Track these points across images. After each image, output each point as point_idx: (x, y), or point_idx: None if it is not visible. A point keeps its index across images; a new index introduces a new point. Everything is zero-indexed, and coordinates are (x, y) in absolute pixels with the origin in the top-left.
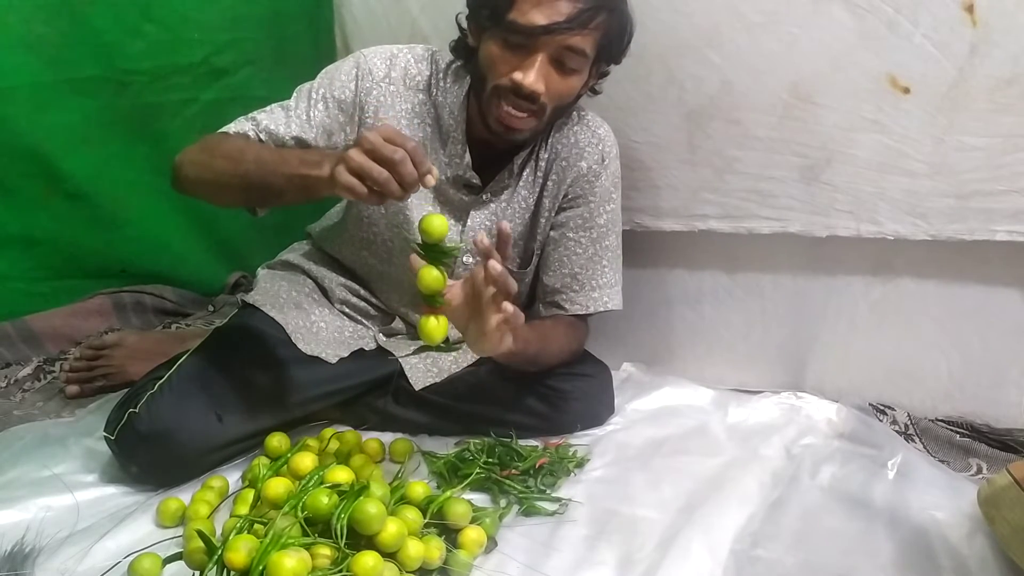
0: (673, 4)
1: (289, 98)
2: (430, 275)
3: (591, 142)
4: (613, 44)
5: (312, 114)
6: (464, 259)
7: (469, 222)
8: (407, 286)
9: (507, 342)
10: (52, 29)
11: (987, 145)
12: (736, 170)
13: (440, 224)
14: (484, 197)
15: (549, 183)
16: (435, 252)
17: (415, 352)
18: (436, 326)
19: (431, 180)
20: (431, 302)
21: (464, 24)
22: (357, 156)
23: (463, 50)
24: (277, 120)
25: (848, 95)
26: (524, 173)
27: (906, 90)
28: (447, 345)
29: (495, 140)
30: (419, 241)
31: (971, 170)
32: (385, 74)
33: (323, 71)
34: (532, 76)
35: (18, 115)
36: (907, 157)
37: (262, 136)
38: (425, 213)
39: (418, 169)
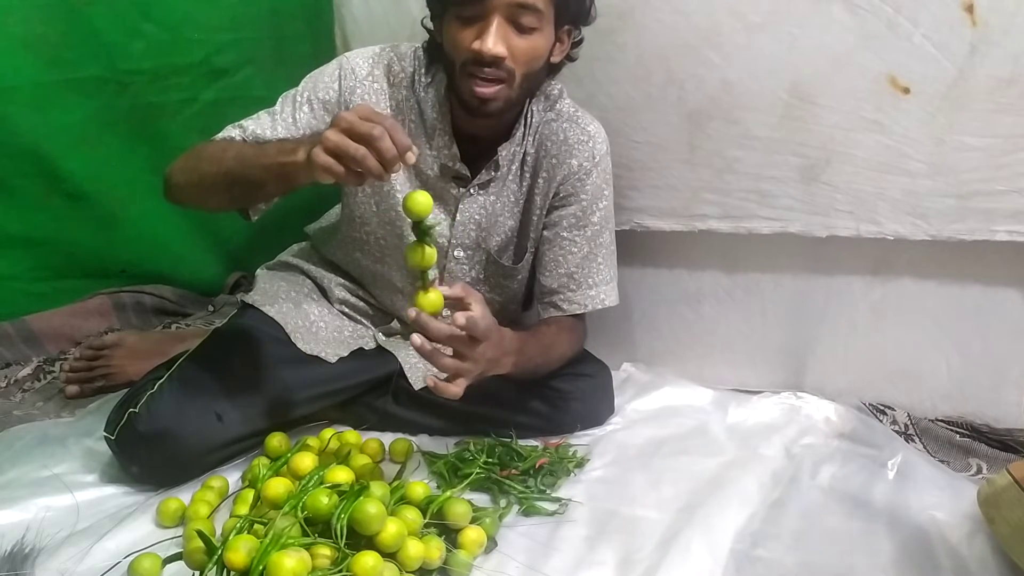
0: (673, 4)
1: None
2: (420, 252)
3: (581, 140)
4: (571, 1)
5: (298, 116)
6: (455, 253)
7: (459, 215)
8: (401, 285)
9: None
10: (52, 29)
11: (987, 145)
12: (736, 170)
13: (424, 200)
14: (472, 190)
15: (539, 180)
16: (417, 229)
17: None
18: (434, 299)
19: (411, 157)
20: (425, 278)
21: (430, 25)
22: (333, 136)
23: (434, 49)
24: (263, 125)
25: (848, 95)
26: (512, 167)
27: (906, 90)
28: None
29: (478, 127)
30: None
31: (971, 170)
32: (368, 72)
33: (307, 76)
34: (490, 40)
35: (18, 115)
36: (907, 157)
37: (248, 140)
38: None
39: (397, 145)
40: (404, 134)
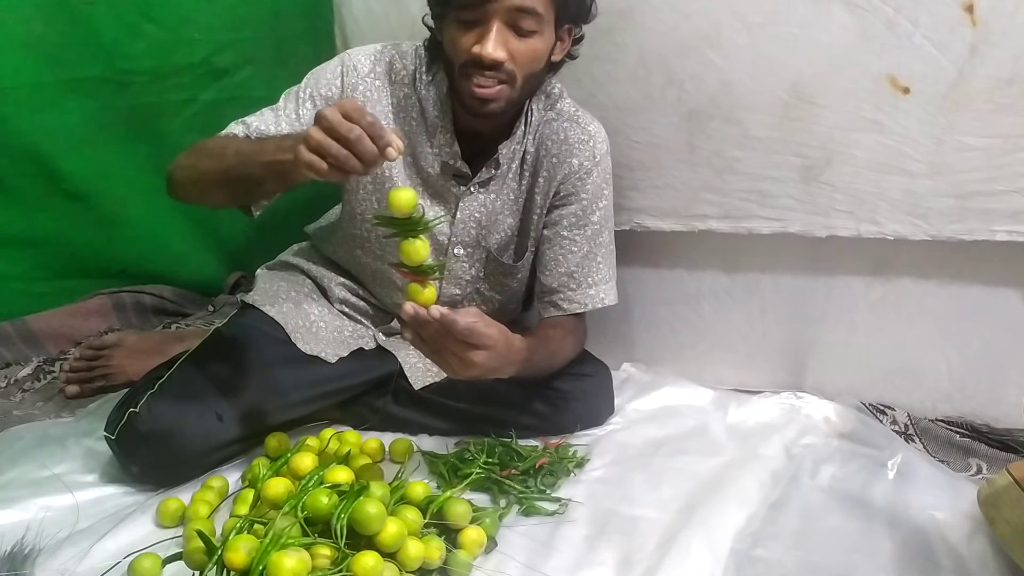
0: (673, 4)
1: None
2: (413, 247)
3: (581, 139)
4: (571, 1)
5: (301, 112)
6: (455, 251)
7: (459, 213)
8: (401, 283)
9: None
10: (52, 29)
11: (987, 145)
12: (736, 170)
13: (408, 196)
14: (472, 188)
15: (540, 179)
16: (408, 225)
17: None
18: (427, 294)
19: (392, 153)
20: (418, 272)
21: (431, 23)
22: (316, 134)
23: (435, 48)
24: (267, 121)
25: (848, 95)
26: (512, 165)
27: (906, 90)
28: None
29: (479, 125)
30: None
31: (971, 170)
32: (370, 69)
33: (309, 73)
34: (490, 45)
35: (18, 115)
36: (907, 157)
37: (252, 136)
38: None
39: (376, 144)
40: (384, 130)
